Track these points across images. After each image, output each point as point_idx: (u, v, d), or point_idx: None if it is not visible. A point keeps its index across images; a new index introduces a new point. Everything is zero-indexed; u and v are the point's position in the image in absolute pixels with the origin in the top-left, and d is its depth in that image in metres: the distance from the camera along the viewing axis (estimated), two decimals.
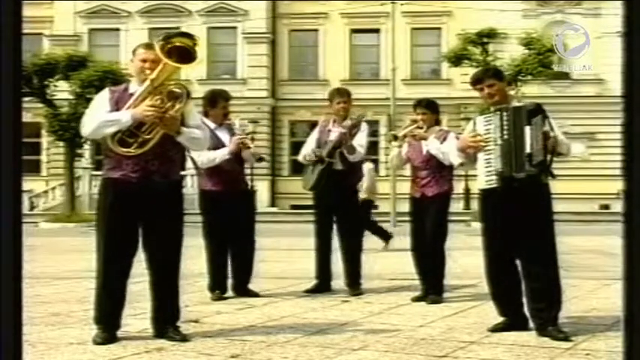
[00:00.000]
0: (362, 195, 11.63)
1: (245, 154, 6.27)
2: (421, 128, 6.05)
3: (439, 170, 5.99)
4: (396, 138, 6.25)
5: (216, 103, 6.27)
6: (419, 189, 6.09)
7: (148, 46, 4.46)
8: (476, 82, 4.76)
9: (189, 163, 5.47)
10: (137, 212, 4.39)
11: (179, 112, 4.38)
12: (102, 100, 4.49)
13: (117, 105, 4.40)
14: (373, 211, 12.87)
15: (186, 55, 4.35)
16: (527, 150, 4.47)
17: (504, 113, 4.58)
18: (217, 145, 6.09)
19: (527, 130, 4.48)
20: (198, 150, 5.03)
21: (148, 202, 4.36)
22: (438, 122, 6.22)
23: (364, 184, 11.58)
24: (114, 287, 4.39)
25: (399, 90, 26.43)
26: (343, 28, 32.13)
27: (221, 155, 6.08)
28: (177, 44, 4.34)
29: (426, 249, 6.04)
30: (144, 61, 4.39)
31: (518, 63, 23.65)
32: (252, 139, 6.27)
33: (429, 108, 6.14)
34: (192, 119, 4.54)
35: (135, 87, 4.47)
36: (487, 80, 4.70)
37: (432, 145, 5.93)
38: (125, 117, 4.30)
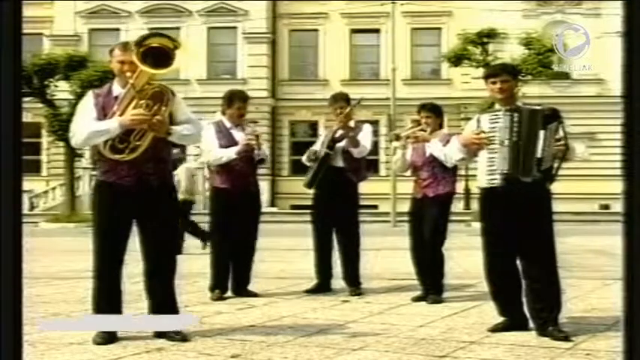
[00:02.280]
0: (180, 195, 11.58)
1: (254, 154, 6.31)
2: (424, 131, 6.04)
3: (441, 172, 6.00)
4: (398, 138, 6.25)
5: (232, 102, 6.32)
6: (421, 190, 6.09)
7: (125, 47, 4.38)
8: (491, 75, 4.72)
9: (194, 164, 5.50)
10: (132, 214, 4.41)
11: (166, 113, 4.35)
12: (87, 106, 4.45)
13: (104, 110, 4.37)
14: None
15: (163, 58, 4.23)
16: (539, 154, 4.45)
17: (515, 114, 4.55)
18: (230, 144, 6.17)
19: (542, 134, 4.45)
20: (191, 144, 5.04)
21: (143, 204, 4.38)
22: (441, 126, 6.23)
23: (182, 183, 11.63)
24: (112, 288, 4.41)
25: (399, 90, 26.41)
26: (343, 28, 32.10)
27: (228, 155, 6.13)
28: (154, 45, 4.23)
29: (425, 249, 6.04)
30: (122, 62, 4.35)
31: (518, 63, 23.57)
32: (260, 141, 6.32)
33: (434, 112, 6.14)
34: (181, 114, 4.51)
35: (118, 89, 4.43)
36: (503, 75, 4.67)
37: (434, 147, 5.94)
38: (113, 126, 4.27)
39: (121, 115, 4.30)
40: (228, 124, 6.27)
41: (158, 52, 4.23)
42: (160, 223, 4.44)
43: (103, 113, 4.36)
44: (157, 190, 4.41)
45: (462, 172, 21.56)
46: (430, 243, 6.01)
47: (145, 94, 4.31)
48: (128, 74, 4.28)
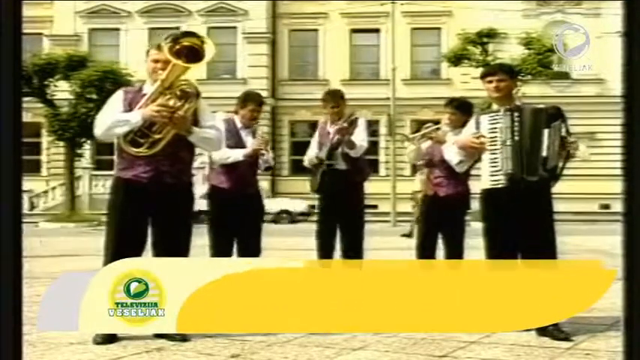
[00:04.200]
0: None
1: (261, 159, 6.29)
2: (445, 129, 5.86)
3: (454, 171, 5.87)
4: (407, 138, 6.18)
5: (246, 103, 6.27)
6: (433, 187, 5.99)
7: (160, 47, 4.47)
8: (488, 74, 4.70)
9: (194, 163, 5.47)
10: (147, 212, 4.44)
11: (189, 111, 4.41)
12: (115, 101, 4.55)
13: (130, 106, 4.45)
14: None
15: (195, 55, 4.37)
16: (544, 153, 4.44)
17: (515, 113, 4.54)
18: (237, 145, 6.12)
19: (546, 133, 4.44)
20: (211, 150, 5.06)
21: (158, 203, 4.41)
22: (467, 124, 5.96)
23: None
24: None
25: (399, 90, 26.43)
26: (343, 28, 32.11)
27: (235, 156, 6.07)
28: (186, 44, 4.36)
29: (431, 246, 6.00)
30: (156, 61, 4.44)
31: (518, 63, 23.64)
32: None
33: (460, 109, 5.81)
34: (205, 119, 4.57)
35: (148, 87, 4.52)
36: (500, 74, 4.65)
37: (448, 154, 5.78)
38: (135, 117, 4.36)
39: None
40: (239, 124, 6.20)
41: (190, 50, 4.35)
42: (172, 222, 4.46)
43: (130, 108, 4.43)
44: (172, 188, 4.43)
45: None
46: (450, 244, 5.95)
47: (172, 90, 4.37)
48: (160, 72, 4.37)
